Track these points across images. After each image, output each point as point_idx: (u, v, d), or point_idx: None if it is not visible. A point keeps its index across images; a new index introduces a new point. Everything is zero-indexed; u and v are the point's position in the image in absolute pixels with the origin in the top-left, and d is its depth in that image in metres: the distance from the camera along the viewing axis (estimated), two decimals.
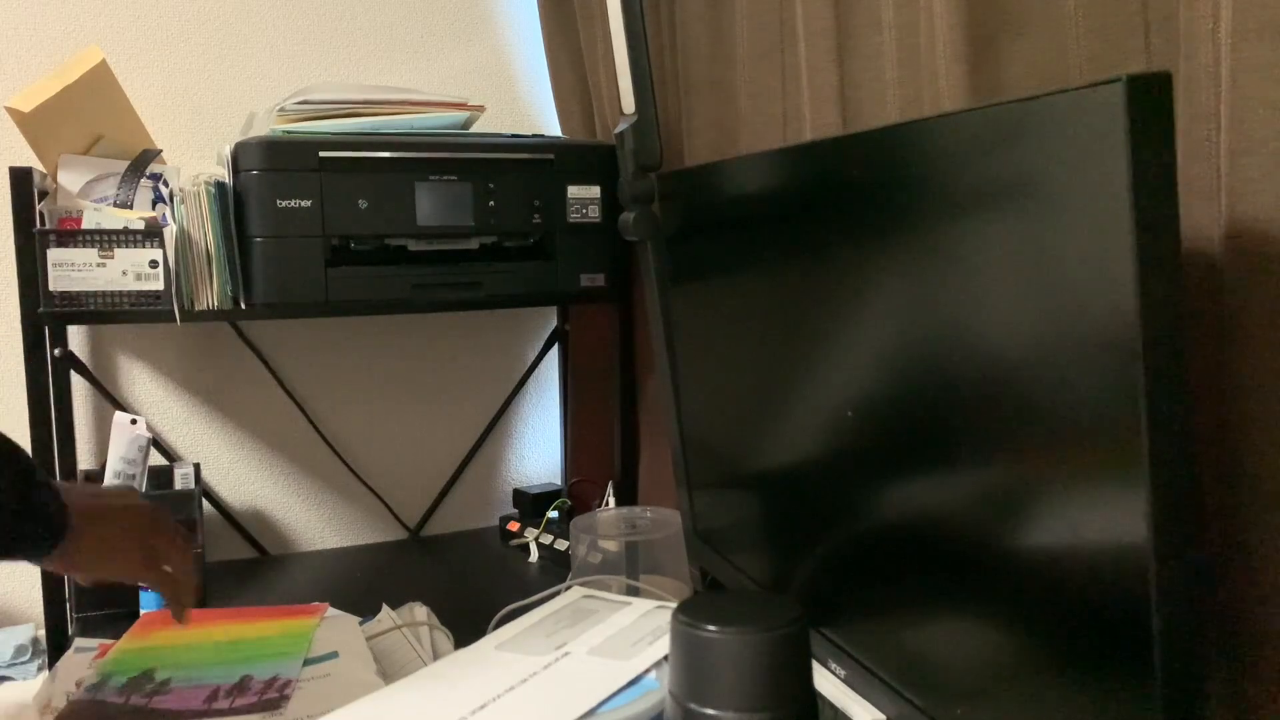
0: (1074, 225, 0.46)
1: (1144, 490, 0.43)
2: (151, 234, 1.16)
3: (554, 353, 1.66)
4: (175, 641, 0.94)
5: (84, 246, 1.14)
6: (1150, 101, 0.42)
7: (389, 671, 0.90)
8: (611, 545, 1.12)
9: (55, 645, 1.17)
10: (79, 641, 0.97)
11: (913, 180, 0.58)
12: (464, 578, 1.34)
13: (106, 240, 1.15)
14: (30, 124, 1.18)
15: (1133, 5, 0.67)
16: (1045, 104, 0.47)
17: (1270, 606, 0.56)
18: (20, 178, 1.14)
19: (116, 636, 1.07)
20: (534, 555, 1.39)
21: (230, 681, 0.85)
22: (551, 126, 1.63)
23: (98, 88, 1.20)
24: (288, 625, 0.97)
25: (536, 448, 1.70)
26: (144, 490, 1.27)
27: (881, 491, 0.66)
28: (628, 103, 0.94)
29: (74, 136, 1.21)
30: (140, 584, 0.88)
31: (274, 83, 1.49)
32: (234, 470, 1.51)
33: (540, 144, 1.32)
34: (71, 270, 1.15)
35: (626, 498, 1.47)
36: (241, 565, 1.43)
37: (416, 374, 1.59)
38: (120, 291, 1.17)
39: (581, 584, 1.04)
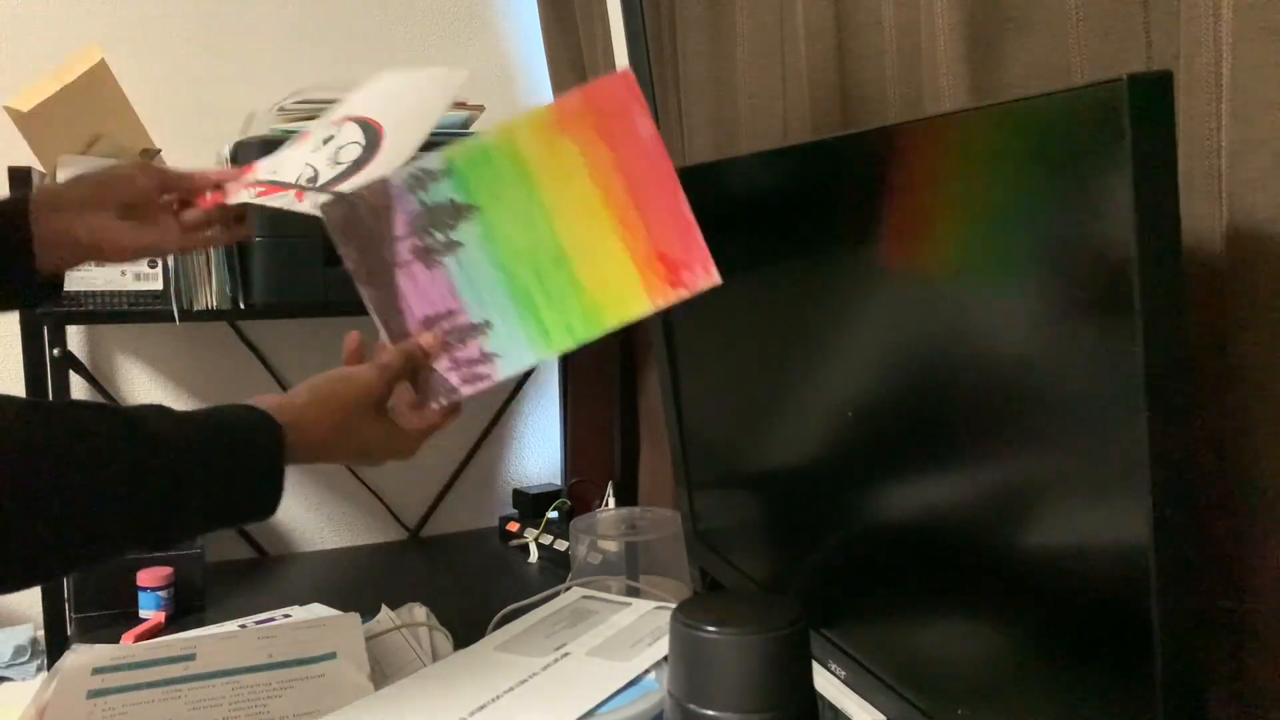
0: (1075, 224, 0.46)
1: (1145, 490, 0.43)
2: None
3: None
4: (551, 181, 0.74)
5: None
6: (1151, 101, 0.42)
7: (388, 672, 0.90)
8: (611, 546, 1.12)
9: (54, 645, 1.17)
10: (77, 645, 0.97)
11: (913, 180, 0.58)
12: (464, 578, 1.34)
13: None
14: (29, 123, 1.18)
15: (1134, 5, 0.67)
16: (1046, 103, 0.47)
17: (1270, 605, 0.56)
18: (19, 177, 1.14)
19: (116, 638, 1.07)
20: (534, 556, 1.39)
21: (472, 318, 0.74)
22: None
23: (97, 87, 1.20)
24: (621, 290, 0.74)
25: (536, 448, 1.70)
26: None
27: (881, 492, 0.66)
28: None
29: (73, 136, 1.21)
30: None
31: (274, 83, 1.49)
32: None
33: None
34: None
35: (626, 498, 1.47)
36: (241, 565, 1.43)
37: None
38: (119, 291, 1.17)
39: (581, 585, 1.04)
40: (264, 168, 0.85)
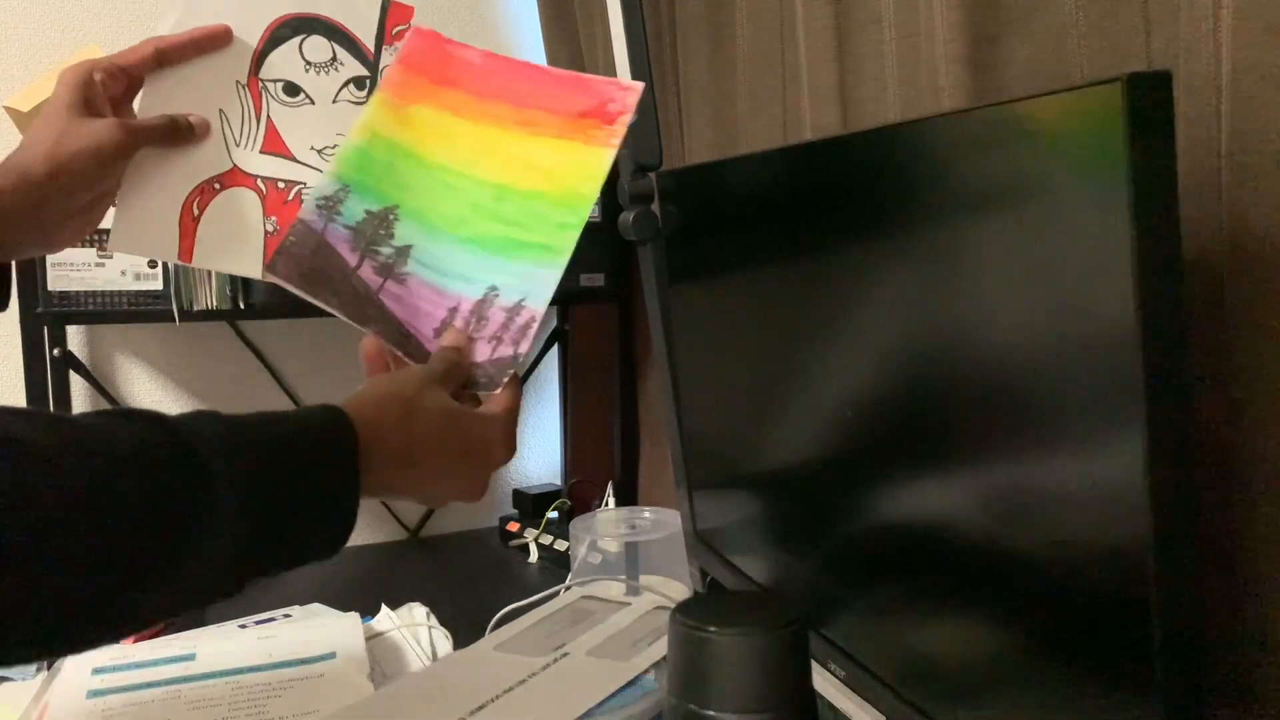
0: (1074, 225, 0.46)
1: (1144, 491, 0.43)
2: None
3: (554, 352, 1.66)
4: (436, 145, 0.75)
5: (83, 246, 1.14)
6: (1150, 101, 0.42)
7: (388, 672, 0.90)
8: (611, 546, 1.12)
9: None
10: None
11: (912, 180, 0.58)
12: (463, 578, 1.34)
13: (105, 240, 1.15)
14: (29, 123, 1.18)
15: (1133, 5, 0.67)
16: (1045, 103, 0.47)
17: (1270, 606, 0.56)
18: None
19: None
20: (533, 556, 1.39)
21: (473, 296, 0.71)
22: None
23: None
24: (571, 163, 0.72)
25: (536, 448, 1.70)
26: None
27: (881, 492, 0.66)
28: None
29: None
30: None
31: None
32: None
33: None
34: (70, 270, 1.15)
35: (626, 498, 1.47)
36: None
37: None
38: (119, 291, 1.17)
39: (581, 585, 1.04)
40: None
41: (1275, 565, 0.55)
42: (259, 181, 0.79)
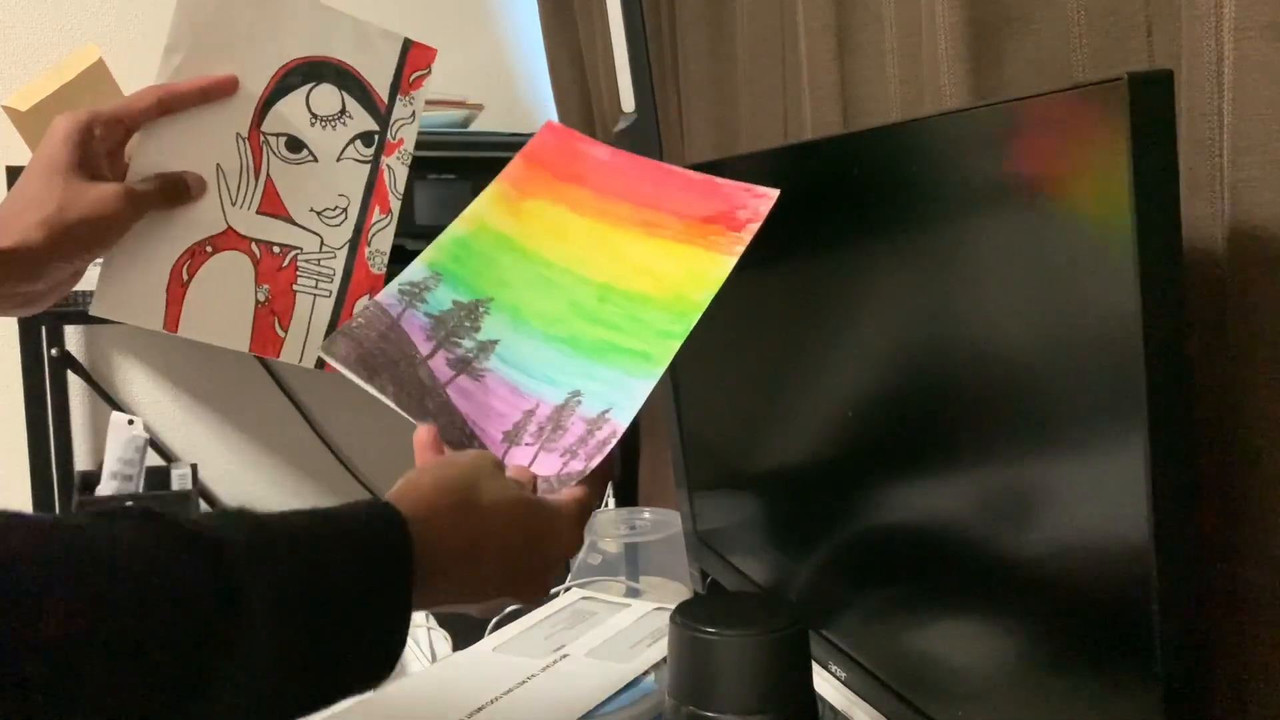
0: (1075, 224, 0.46)
1: (1145, 491, 0.43)
2: None
3: None
4: (545, 241, 0.70)
5: None
6: (1151, 100, 0.41)
7: None
8: (611, 546, 1.12)
9: None
10: None
11: (914, 179, 0.58)
12: None
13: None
14: (27, 122, 1.17)
15: (1135, 3, 0.66)
16: (1046, 102, 0.47)
17: (1271, 606, 0.55)
18: (17, 176, 1.14)
19: None
20: None
21: (554, 400, 0.64)
22: None
23: (95, 86, 1.19)
24: (687, 269, 0.67)
25: None
26: (140, 491, 1.26)
27: (882, 493, 0.65)
28: (628, 102, 0.94)
29: None
30: None
31: None
32: (231, 471, 1.50)
33: None
34: None
35: (626, 498, 1.47)
36: None
37: None
38: None
39: (580, 585, 1.04)
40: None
41: (1276, 563, 0.55)
42: (253, 245, 0.75)
